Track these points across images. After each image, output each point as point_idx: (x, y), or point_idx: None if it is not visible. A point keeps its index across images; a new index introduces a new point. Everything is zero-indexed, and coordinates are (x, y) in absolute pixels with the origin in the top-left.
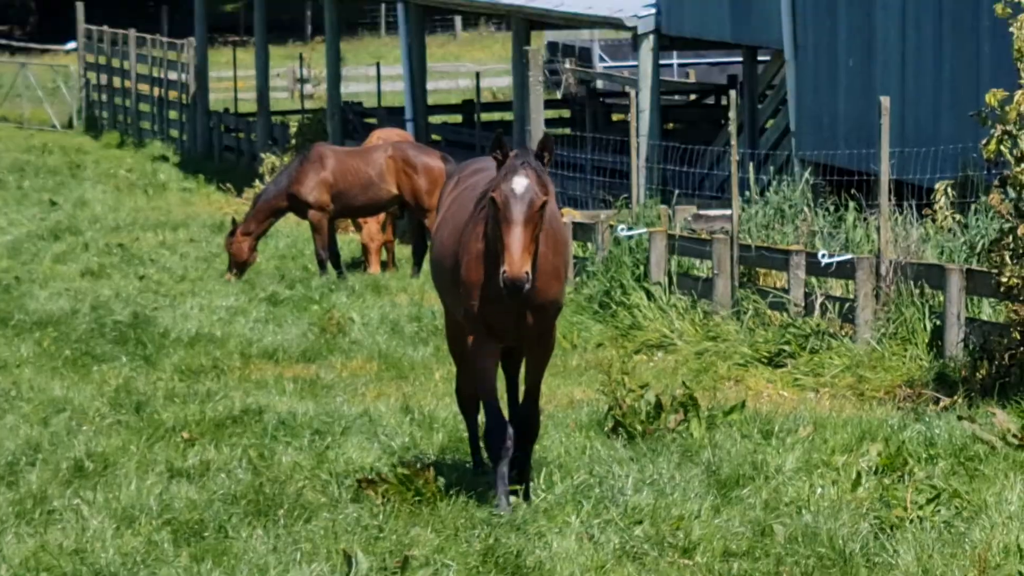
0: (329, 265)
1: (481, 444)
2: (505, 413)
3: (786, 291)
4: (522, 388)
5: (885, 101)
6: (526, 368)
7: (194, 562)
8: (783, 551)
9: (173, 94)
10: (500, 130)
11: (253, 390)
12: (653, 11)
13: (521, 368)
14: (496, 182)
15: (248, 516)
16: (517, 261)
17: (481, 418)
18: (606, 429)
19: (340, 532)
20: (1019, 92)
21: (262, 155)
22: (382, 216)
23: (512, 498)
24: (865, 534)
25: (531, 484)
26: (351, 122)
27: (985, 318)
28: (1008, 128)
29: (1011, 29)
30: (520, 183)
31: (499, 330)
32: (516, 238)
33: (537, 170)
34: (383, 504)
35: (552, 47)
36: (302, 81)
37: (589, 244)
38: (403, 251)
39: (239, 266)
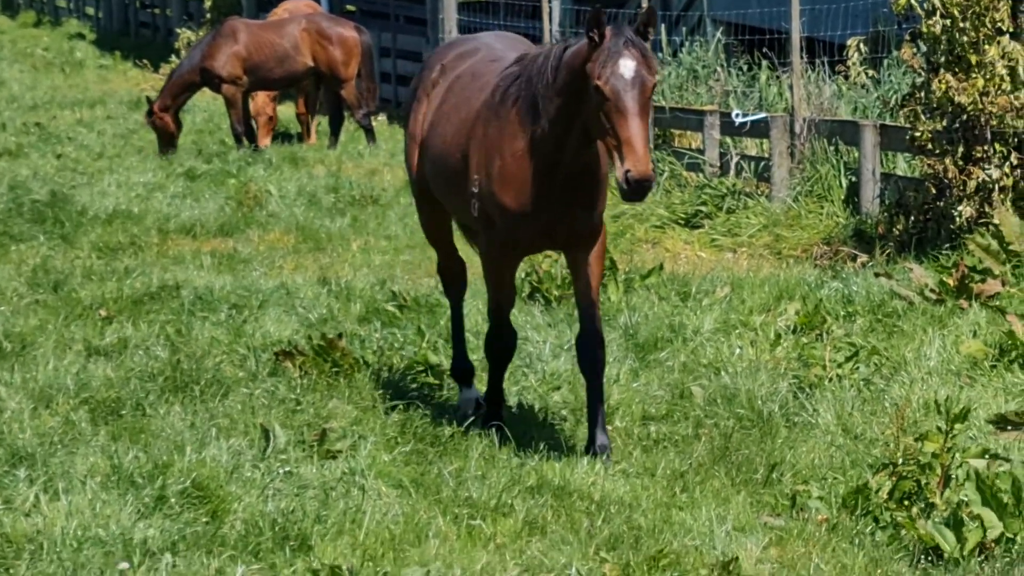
0: (245, 139)
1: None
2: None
3: (701, 152)
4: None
5: None
6: (580, 278)
7: (112, 440)
8: (702, 413)
9: None
10: (599, 5)
11: (171, 266)
12: None
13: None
14: (595, 68)
15: (165, 393)
16: (643, 157)
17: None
18: (523, 295)
19: (258, 406)
20: None
21: (178, 31)
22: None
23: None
24: (784, 394)
25: (606, 427)
26: None
27: (900, 173)
28: None
29: None
30: (628, 67)
31: (541, 235)
32: (636, 131)
33: (641, 48)
34: (301, 377)
35: None
36: None
37: None
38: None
39: (169, 139)
